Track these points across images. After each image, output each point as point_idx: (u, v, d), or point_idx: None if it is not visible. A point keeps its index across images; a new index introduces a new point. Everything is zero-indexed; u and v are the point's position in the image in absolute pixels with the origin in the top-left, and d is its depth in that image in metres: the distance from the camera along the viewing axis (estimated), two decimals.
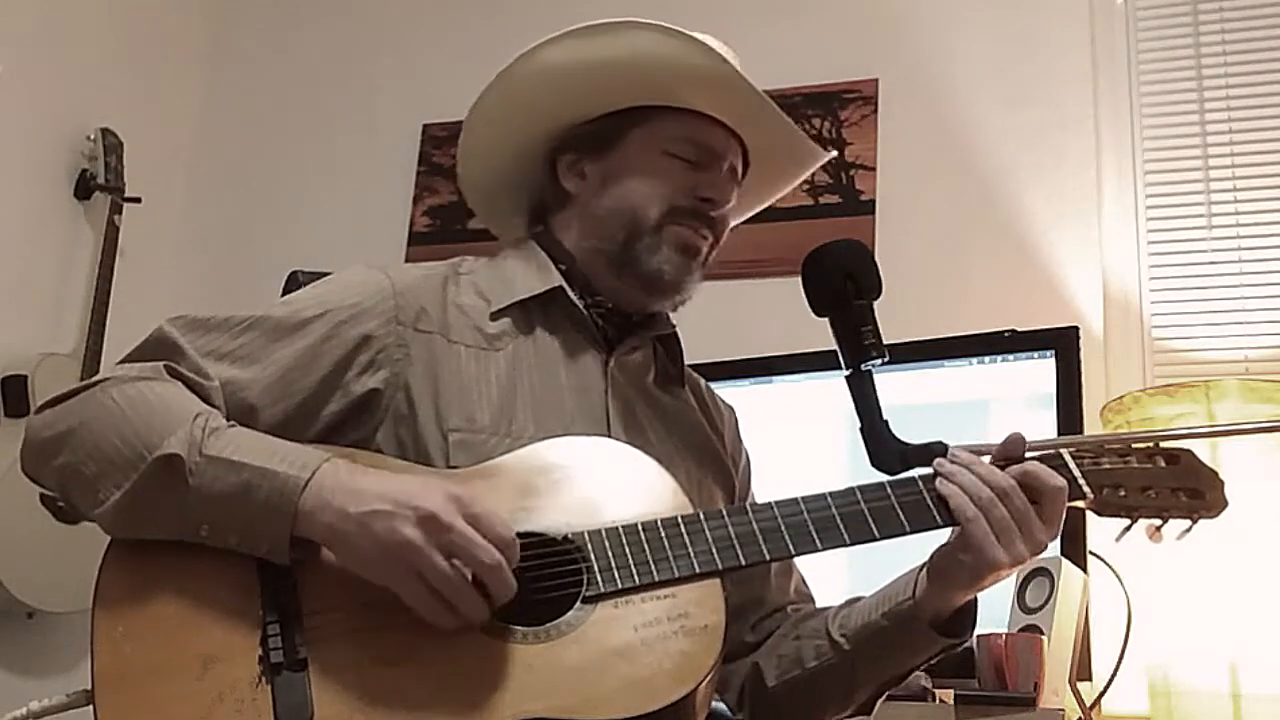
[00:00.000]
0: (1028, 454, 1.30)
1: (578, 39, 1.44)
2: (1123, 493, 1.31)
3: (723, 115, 1.47)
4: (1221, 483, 1.33)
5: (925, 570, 1.32)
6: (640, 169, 1.45)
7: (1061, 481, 1.26)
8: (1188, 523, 1.32)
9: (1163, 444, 1.38)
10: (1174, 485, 1.32)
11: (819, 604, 1.54)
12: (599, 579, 1.19)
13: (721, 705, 1.47)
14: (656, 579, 1.19)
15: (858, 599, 1.41)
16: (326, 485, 1.16)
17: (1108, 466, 1.32)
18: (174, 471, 1.16)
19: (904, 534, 1.26)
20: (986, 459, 1.31)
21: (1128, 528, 1.32)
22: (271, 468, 1.16)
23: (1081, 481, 1.30)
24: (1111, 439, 1.51)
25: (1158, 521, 1.31)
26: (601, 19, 1.45)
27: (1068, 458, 1.32)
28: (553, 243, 1.48)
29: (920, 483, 1.29)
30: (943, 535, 1.30)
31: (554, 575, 1.19)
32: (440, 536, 1.12)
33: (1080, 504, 1.30)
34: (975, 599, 1.33)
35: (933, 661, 1.35)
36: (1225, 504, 1.32)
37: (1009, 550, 1.23)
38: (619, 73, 1.44)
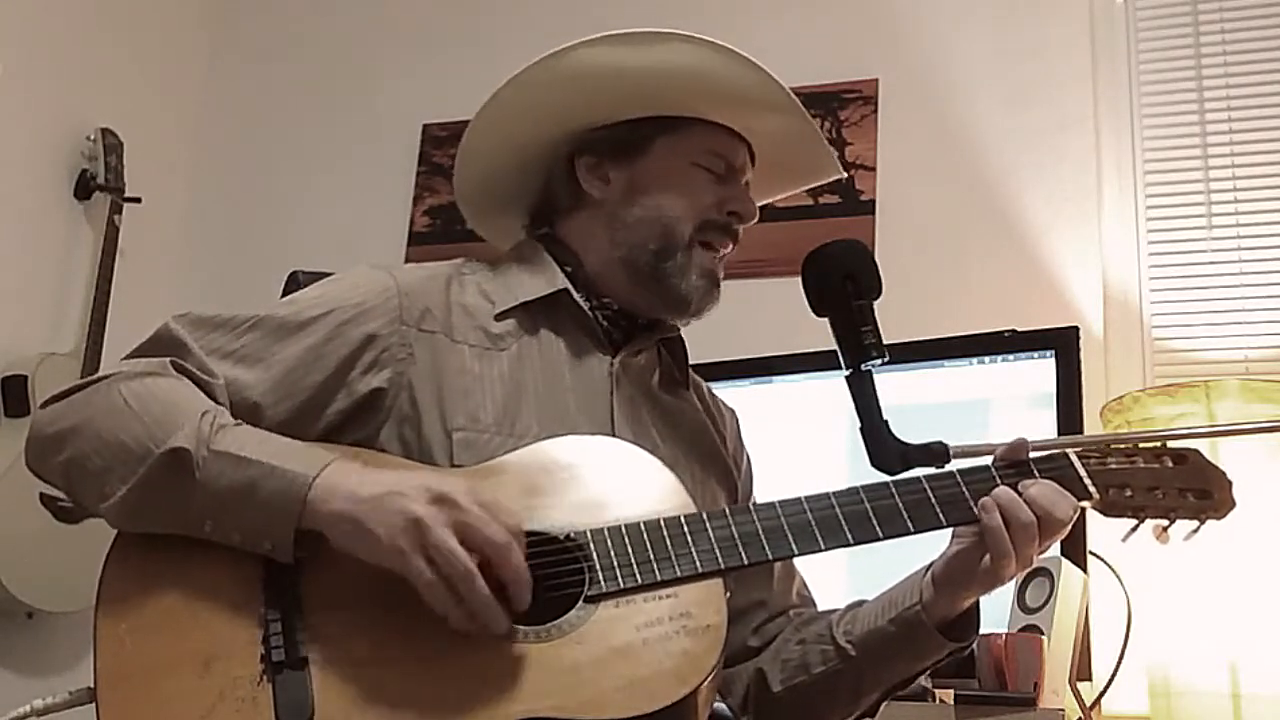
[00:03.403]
0: (1033, 454, 1.31)
1: (616, 45, 1.41)
2: (1129, 493, 1.30)
3: (751, 133, 1.48)
4: (1230, 483, 1.32)
5: (930, 575, 1.32)
6: (670, 181, 1.44)
7: (1068, 517, 1.26)
8: (1195, 523, 1.31)
9: (1169, 444, 1.37)
10: (1181, 485, 1.31)
11: (820, 605, 1.54)
12: (601, 578, 1.18)
13: (723, 706, 1.47)
14: (659, 578, 1.19)
15: (860, 603, 1.41)
16: (335, 480, 1.16)
17: (1114, 466, 1.31)
18: (180, 465, 1.16)
19: (908, 534, 1.26)
20: (989, 459, 1.32)
21: (1134, 528, 1.31)
22: (279, 465, 1.16)
23: (1087, 482, 1.29)
24: (1113, 439, 1.50)
25: (1164, 522, 1.30)
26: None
27: (1074, 458, 1.31)
28: (559, 244, 1.48)
29: (923, 482, 1.29)
30: (944, 535, 1.31)
31: (556, 574, 1.19)
32: (452, 515, 1.12)
33: (1086, 504, 1.29)
34: (977, 603, 1.33)
35: (938, 665, 1.35)
36: (1233, 504, 1.31)
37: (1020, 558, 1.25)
38: (655, 81, 1.43)
